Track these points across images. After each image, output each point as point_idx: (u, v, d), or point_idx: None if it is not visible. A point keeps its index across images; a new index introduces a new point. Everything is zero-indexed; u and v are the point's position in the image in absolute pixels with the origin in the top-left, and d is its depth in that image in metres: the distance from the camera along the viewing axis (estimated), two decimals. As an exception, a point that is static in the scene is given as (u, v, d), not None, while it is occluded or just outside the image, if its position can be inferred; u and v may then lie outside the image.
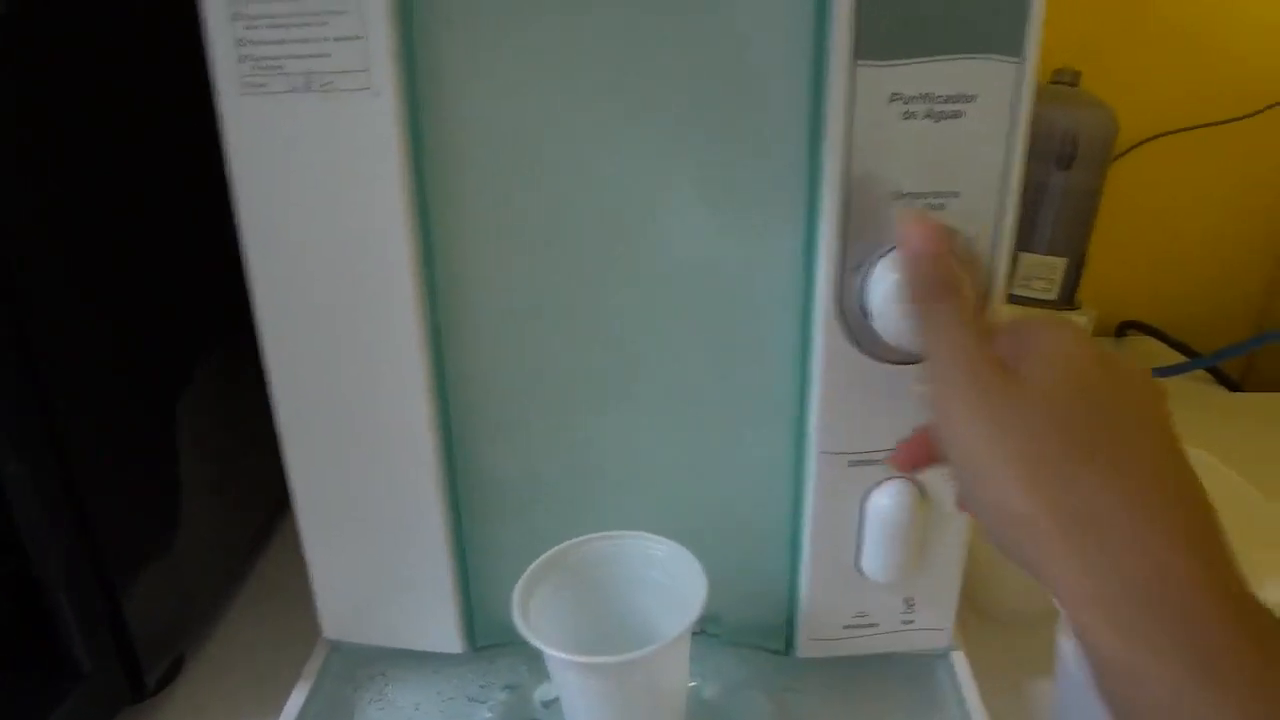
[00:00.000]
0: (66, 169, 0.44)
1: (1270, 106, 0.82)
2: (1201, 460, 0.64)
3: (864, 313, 0.40)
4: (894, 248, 0.39)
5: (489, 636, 0.50)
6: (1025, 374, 0.31)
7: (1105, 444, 0.30)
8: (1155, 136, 0.84)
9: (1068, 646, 0.48)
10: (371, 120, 0.38)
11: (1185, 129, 0.83)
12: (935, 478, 0.45)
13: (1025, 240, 0.77)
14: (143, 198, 0.50)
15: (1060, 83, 0.76)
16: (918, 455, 0.40)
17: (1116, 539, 0.28)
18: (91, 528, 0.46)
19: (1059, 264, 0.78)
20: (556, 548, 0.44)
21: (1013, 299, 0.78)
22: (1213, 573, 0.27)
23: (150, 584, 0.51)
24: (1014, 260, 0.77)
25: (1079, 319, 0.80)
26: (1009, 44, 0.37)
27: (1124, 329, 0.94)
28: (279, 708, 0.48)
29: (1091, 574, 0.28)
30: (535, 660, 0.41)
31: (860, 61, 0.37)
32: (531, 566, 0.43)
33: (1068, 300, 0.79)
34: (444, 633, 0.50)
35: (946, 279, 0.35)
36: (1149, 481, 0.29)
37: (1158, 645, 0.26)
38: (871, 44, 0.36)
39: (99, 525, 0.46)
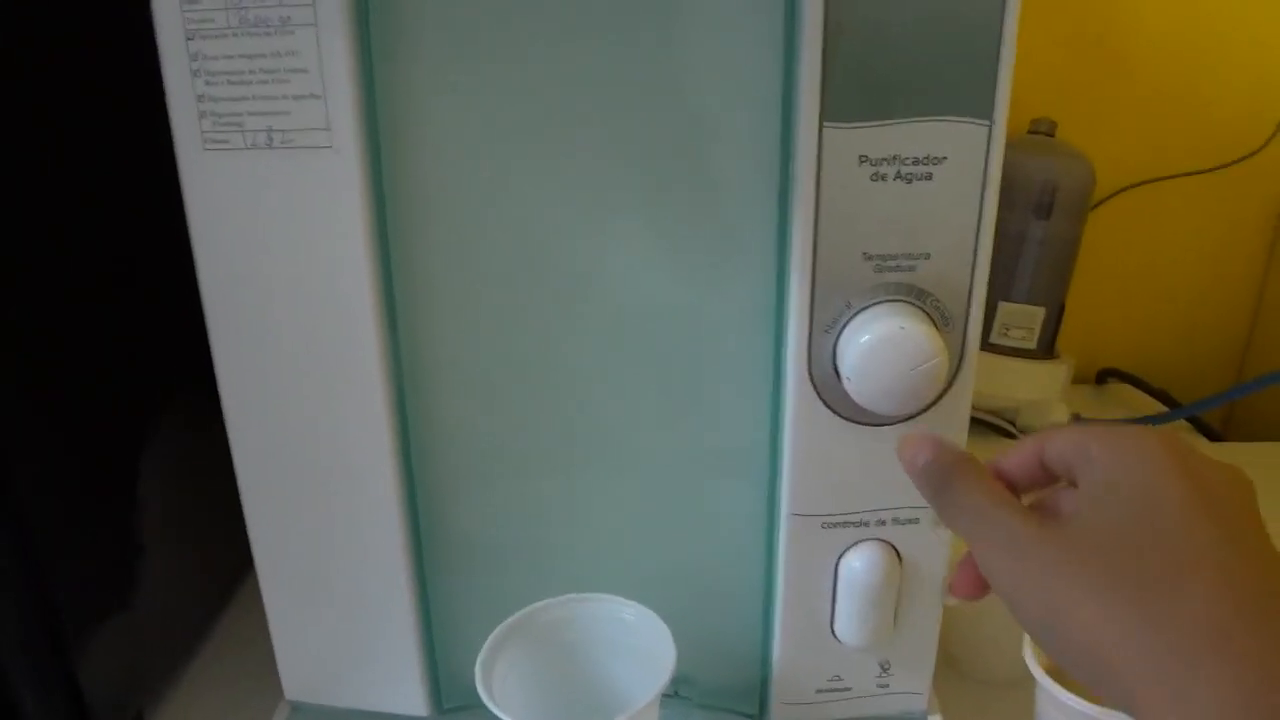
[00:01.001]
0: (25, 219, 0.43)
1: (1245, 157, 0.82)
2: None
3: (836, 374, 0.40)
4: (866, 307, 0.39)
5: (455, 698, 0.49)
6: (1072, 510, 0.30)
7: (1185, 565, 0.27)
8: (1132, 186, 0.84)
9: (1045, 707, 0.47)
10: (333, 178, 0.38)
11: (1162, 178, 0.84)
12: (909, 540, 0.44)
13: (1004, 289, 0.77)
14: (104, 248, 0.49)
15: (1037, 133, 0.77)
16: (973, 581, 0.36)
17: (1207, 680, 0.25)
18: (45, 586, 0.45)
19: (1038, 313, 0.78)
20: (521, 611, 0.43)
21: (991, 348, 0.78)
22: None
23: (106, 643, 0.49)
24: (993, 309, 0.77)
25: (1058, 367, 0.80)
26: (978, 106, 0.37)
27: (1104, 377, 0.94)
28: (238, 772, 0.47)
29: (1187, 707, 0.25)
30: (503, 724, 0.40)
31: (828, 123, 0.36)
32: (495, 631, 0.42)
33: (1047, 349, 0.79)
34: (409, 694, 0.48)
35: (948, 463, 0.33)
36: (1246, 603, 0.26)
37: None
38: (839, 106, 0.36)
39: (52, 583, 0.45)
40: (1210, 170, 0.83)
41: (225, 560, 0.61)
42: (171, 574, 0.55)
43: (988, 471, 0.34)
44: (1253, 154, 0.83)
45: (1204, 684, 0.25)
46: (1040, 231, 0.75)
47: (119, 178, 0.49)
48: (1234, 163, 0.83)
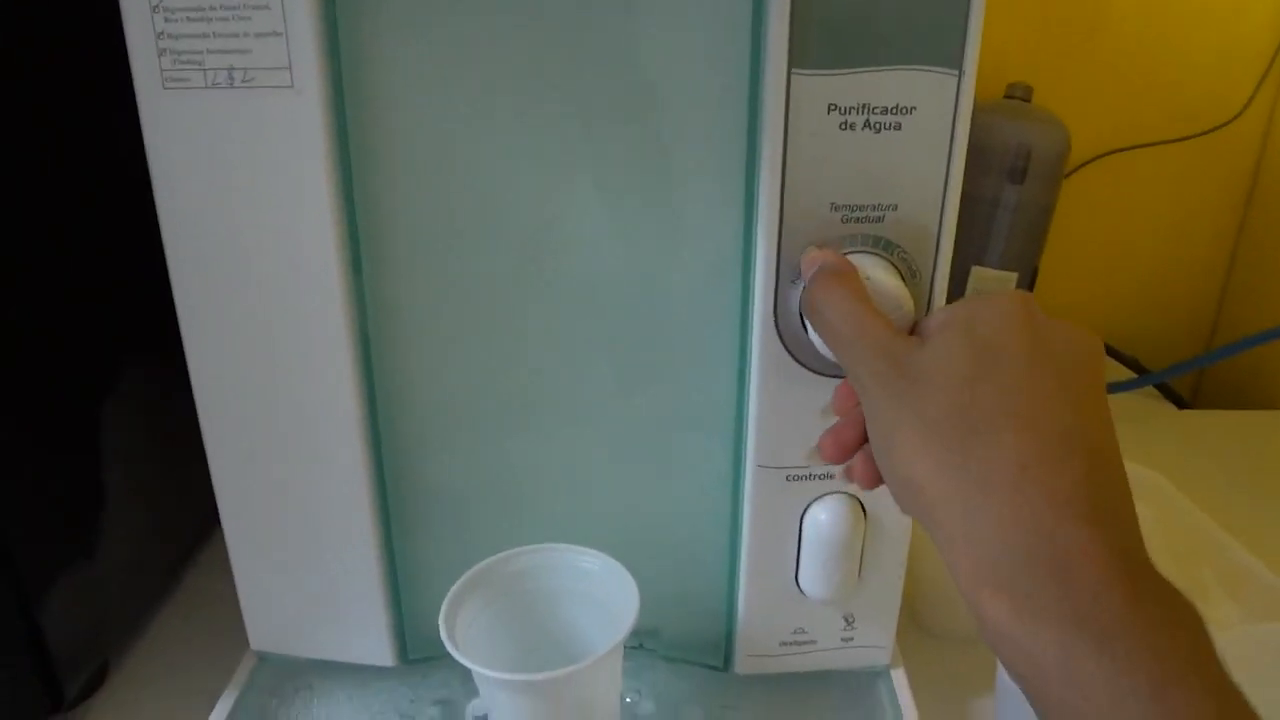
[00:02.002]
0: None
1: (1218, 127, 0.83)
2: (1148, 481, 0.65)
3: (802, 325, 0.40)
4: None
5: (421, 650, 0.49)
6: (935, 341, 0.32)
7: (1007, 409, 0.29)
8: (1106, 153, 0.84)
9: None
10: (295, 119, 0.37)
11: (1136, 146, 0.84)
12: (875, 493, 0.44)
13: (978, 254, 0.77)
14: (62, 196, 0.48)
15: (1013, 98, 0.77)
16: (844, 440, 0.38)
17: (1000, 507, 0.28)
18: (4, 534, 0.44)
19: (1011, 278, 0.78)
20: (485, 561, 0.43)
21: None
22: (1103, 537, 0.27)
23: (69, 593, 0.49)
24: (966, 274, 0.77)
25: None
26: (948, 56, 0.37)
27: (1075, 344, 0.95)
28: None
29: (976, 543, 0.28)
30: (469, 674, 0.40)
31: (796, 70, 0.36)
32: (459, 581, 0.42)
33: (1018, 315, 0.79)
34: (374, 645, 0.48)
35: (837, 268, 0.36)
36: (1052, 447, 0.28)
37: (1043, 610, 0.26)
38: (808, 53, 0.36)
39: (12, 531, 0.45)
40: (1183, 139, 0.84)
41: (191, 515, 0.61)
42: (136, 527, 0.55)
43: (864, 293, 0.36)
44: (1225, 124, 0.83)
45: (994, 505, 0.28)
46: (1014, 196, 0.75)
47: (75, 121, 0.49)
48: (1206, 132, 0.83)
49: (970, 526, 0.28)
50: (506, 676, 0.38)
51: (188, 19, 0.36)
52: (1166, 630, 0.25)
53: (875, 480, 0.34)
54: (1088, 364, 0.31)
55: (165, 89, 0.37)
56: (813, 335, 0.38)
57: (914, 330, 0.34)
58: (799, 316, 0.39)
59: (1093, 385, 0.31)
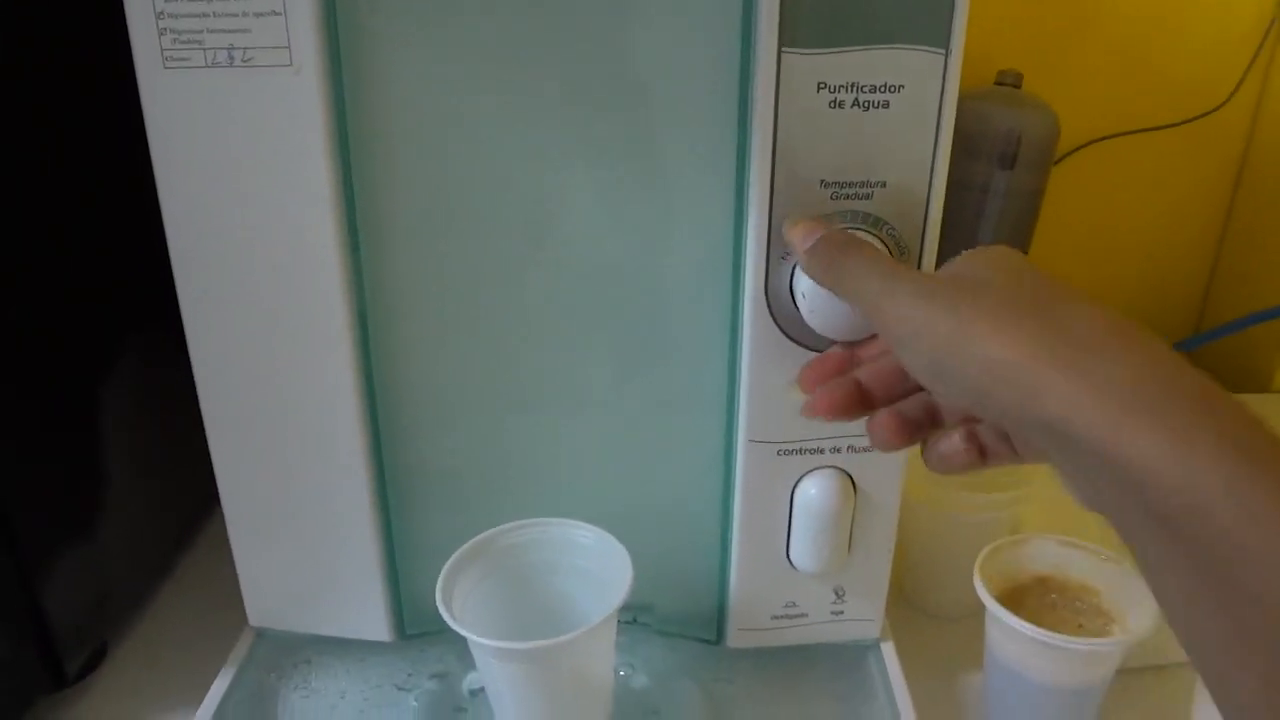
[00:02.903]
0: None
1: (1208, 112, 0.84)
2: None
3: (792, 300, 0.40)
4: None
5: (418, 625, 0.50)
6: (964, 261, 0.33)
7: (1069, 292, 0.30)
8: (1096, 140, 0.85)
9: (995, 639, 0.48)
10: (294, 97, 0.38)
11: (1126, 133, 0.85)
12: (864, 468, 0.45)
13: (968, 240, 0.78)
14: (63, 175, 0.49)
15: (1003, 84, 0.77)
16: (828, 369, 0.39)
17: (1122, 353, 0.27)
18: (6, 512, 0.45)
19: (1000, 263, 0.78)
20: (481, 535, 0.44)
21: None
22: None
23: (70, 571, 0.50)
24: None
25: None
26: (934, 35, 0.37)
27: (1065, 330, 0.95)
28: (203, 696, 0.48)
29: (1109, 388, 0.27)
30: (464, 649, 0.41)
31: (786, 49, 0.37)
32: (456, 553, 0.43)
33: (1008, 299, 0.80)
34: (372, 621, 0.49)
35: (841, 239, 0.37)
36: (1117, 321, 0.29)
37: (1200, 440, 0.25)
38: (798, 32, 0.37)
39: (14, 509, 0.45)
40: (1172, 126, 0.84)
41: (191, 493, 0.61)
42: (136, 506, 0.56)
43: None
44: (1213, 110, 0.84)
45: (1112, 353, 0.27)
46: (1004, 183, 0.76)
47: (74, 103, 0.49)
48: (1195, 119, 0.84)
49: (1095, 378, 0.27)
50: (501, 645, 0.39)
51: (188, -1, 0.36)
52: None
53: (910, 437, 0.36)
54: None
55: (165, 68, 0.38)
56: (805, 307, 0.39)
57: None
58: (789, 292, 0.40)
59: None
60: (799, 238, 0.38)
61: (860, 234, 0.39)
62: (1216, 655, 0.26)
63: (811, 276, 0.37)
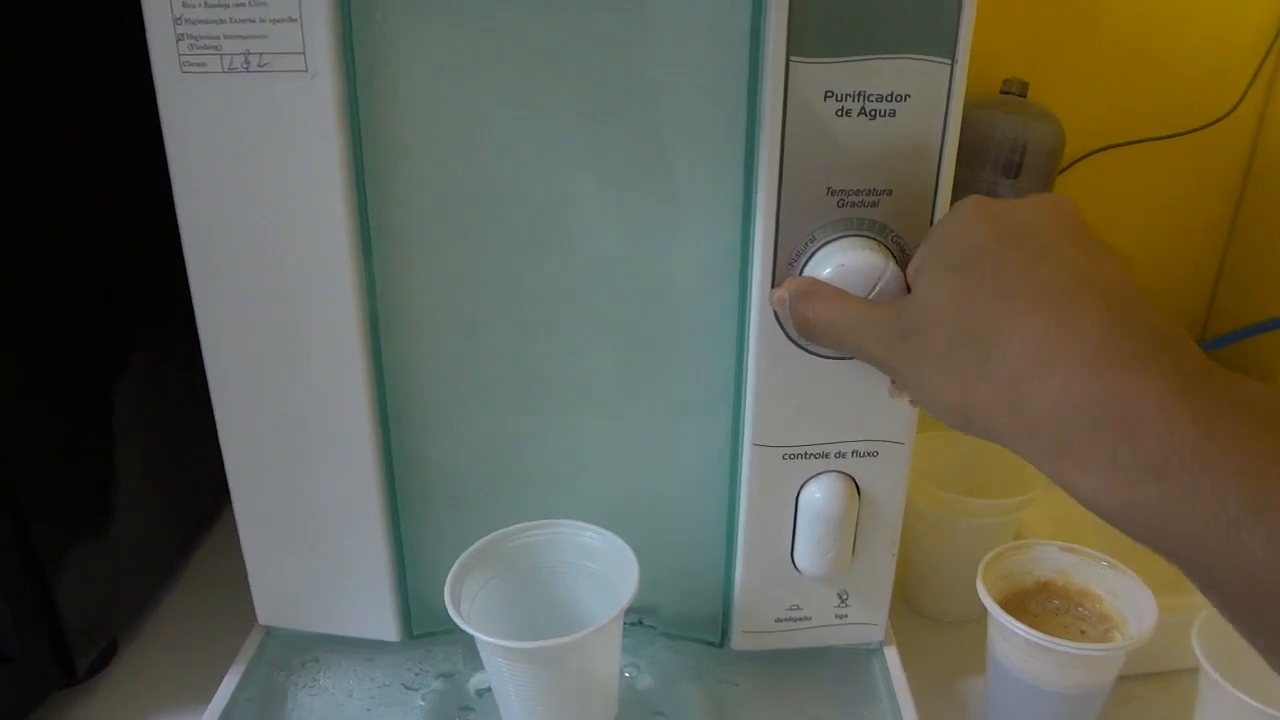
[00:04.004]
0: None
1: (1213, 122, 0.84)
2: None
3: (795, 343, 0.41)
4: (829, 241, 0.40)
5: (426, 625, 0.50)
6: (918, 286, 0.34)
7: (1001, 301, 0.30)
8: (1101, 149, 0.85)
9: (998, 644, 0.49)
10: (309, 103, 0.38)
11: (1130, 142, 0.85)
12: (869, 472, 0.46)
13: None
14: (79, 175, 0.49)
15: (1009, 93, 0.78)
16: None
17: (1040, 387, 0.28)
18: (20, 510, 0.46)
19: (1005, 271, 0.79)
20: (489, 536, 0.44)
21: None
22: (1150, 372, 0.26)
23: (82, 569, 0.50)
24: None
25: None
26: (941, 46, 0.38)
27: (1070, 338, 0.96)
28: (212, 694, 0.48)
29: (1037, 429, 0.28)
30: (471, 649, 0.41)
31: (794, 58, 0.37)
32: (464, 554, 0.43)
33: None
34: (380, 620, 0.49)
35: (804, 286, 0.39)
36: (1055, 312, 0.29)
37: (1123, 469, 0.26)
38: (806, 41, 0.37)
39: (28, 508, 0.46)
40: (1177, 135, 0.85)
41: (202, 492, 0.62)
42: (147, 504, 0.56)
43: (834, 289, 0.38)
44: (1218, 120, 0.84)
45: (1034, 389, 0.28)
46: (1009, 191, 0.76)
47: (93, 102, 0.50)
48: (1200, 129, 0.84)
49: (1024, 418, 0.28)
50: (508, 644, 0.39)
51: (205, 5, 0.37)
52: (1250, 440, 0.25)
53: None
54: (1060, 218, 0.32)
55: (183, 73, 0.38)
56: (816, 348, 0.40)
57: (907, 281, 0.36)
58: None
59: (1072, 236, 0.31)
60: (777, 305, 0.40)
61: (832, 247, 0.40)
62: None
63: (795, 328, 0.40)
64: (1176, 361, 0.27)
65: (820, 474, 0.45)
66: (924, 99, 0.39)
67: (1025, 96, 0.78)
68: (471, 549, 0.44)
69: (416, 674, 0.50)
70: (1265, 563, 0.23)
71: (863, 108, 0.38)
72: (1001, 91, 0.78)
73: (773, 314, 0.41)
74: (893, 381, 0.38)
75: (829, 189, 0.40)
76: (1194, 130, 0.85)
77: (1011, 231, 0.32)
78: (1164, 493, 0.25)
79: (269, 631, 0.51)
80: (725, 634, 0.50)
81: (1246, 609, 0.25)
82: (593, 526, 0.45)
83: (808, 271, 0.40)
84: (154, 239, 0.45)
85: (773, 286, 0.41)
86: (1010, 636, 0.47)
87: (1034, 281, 0.30)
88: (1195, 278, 0.94)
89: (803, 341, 0.42)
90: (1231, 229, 0.92)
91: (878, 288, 0.38)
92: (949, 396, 0.31)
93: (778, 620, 0.49)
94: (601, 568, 0.44)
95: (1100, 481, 0.26)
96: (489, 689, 0.48)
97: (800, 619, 0.49)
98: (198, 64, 0.38)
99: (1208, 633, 0.46)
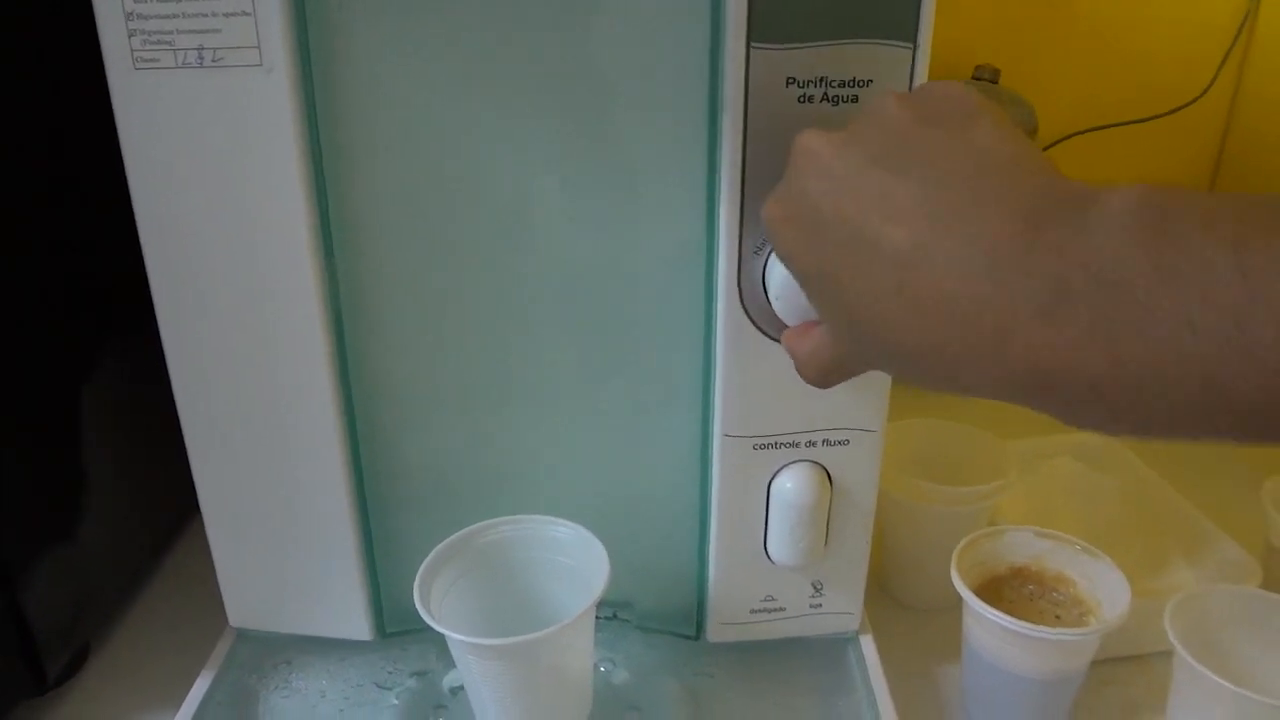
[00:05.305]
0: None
1: (1183, 106, 0.84)
2: (1114, 453, 0.66)
3: (765, 295, 0.41)
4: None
5: (398, 624, 0.50)
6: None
7: (903, 203, 0.28)
8: (1074, 134, 0.86)
9: (973, 631, 0.49)
10: (266, 98, 0.38)
11: (1102, 127, 0.85)
12: (840, 461, 0.45)
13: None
14: (35, 180, 0.48)
15: (980, 79, 0.78)
16: None
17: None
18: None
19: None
20: (459, 532, 0.44)
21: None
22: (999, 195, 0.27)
23: (51, 574, 0.49)
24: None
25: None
26: (902, 30, 0.38)
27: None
28: (184, 697, 0.47)
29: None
30: (445, 647, 0.41)
31: (755, 44, 0.37)
32: (434, 551, 0.43)
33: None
34: (352, 620, 0.49)
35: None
36: (960, 191, 0.28)
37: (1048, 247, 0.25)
38: (766, 27, 0.37)
39: (-7, 513, 0.45)
40: (1149, 119, 0.85)
41: (171, 495, 0.61)
42: (117, 508, 0.56)
43: None
44: (1190, 103, 0.85)
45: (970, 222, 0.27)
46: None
47: (45, 106, 0.49)
48: (1172, 112, 0.85)
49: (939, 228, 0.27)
50: (479, 641, 0.39)
51: (157, -1, 0.36)
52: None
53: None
54: (965, 103, 0.31)
55: (136, 69, 0.38)
56: (774, 297, 0.40)
57: None
58: (762, 286, 0.40)
59: (983, 126, 0.30)
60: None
61: None
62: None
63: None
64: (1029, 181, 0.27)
65: (791, 463, 0.45)
66: (886, 84, 0.38)
67: (997, 83, 0.78)
68: (440, 546, 0.43)
69: (390, 673, 0.49)
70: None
71: (825, 94, 0.38)
72: (973, 78, 0.78)
73: (739, 304, 0.41)
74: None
75: (793, 177, 0.39)
76: (1166, 114, 0.85)
77: (922, 111, 0.31)
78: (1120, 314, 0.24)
79: (240, 633, 0.51)
80: (700, 626, 0.50)
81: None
82: (563, 520, 0.45)
83: (771, 260, 0.39)
84: (122, 241, 0.44)
85: (738, 277, 0.41)
86: (985, 623, 0.47)
87: (944, 152, 0.29)
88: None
89: (771, 331, 0.42)
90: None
91: None
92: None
93: (753, 611, 0.49)
94: (572, 561, 0.44)
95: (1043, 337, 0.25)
96: (463, 687, 0.47)
97: (775, 610, 0.49)
98: (150, 60, 0.37)
99: (1181, 616, 0.46)
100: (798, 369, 0.36)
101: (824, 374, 0.36)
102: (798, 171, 0.32)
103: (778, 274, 0.39)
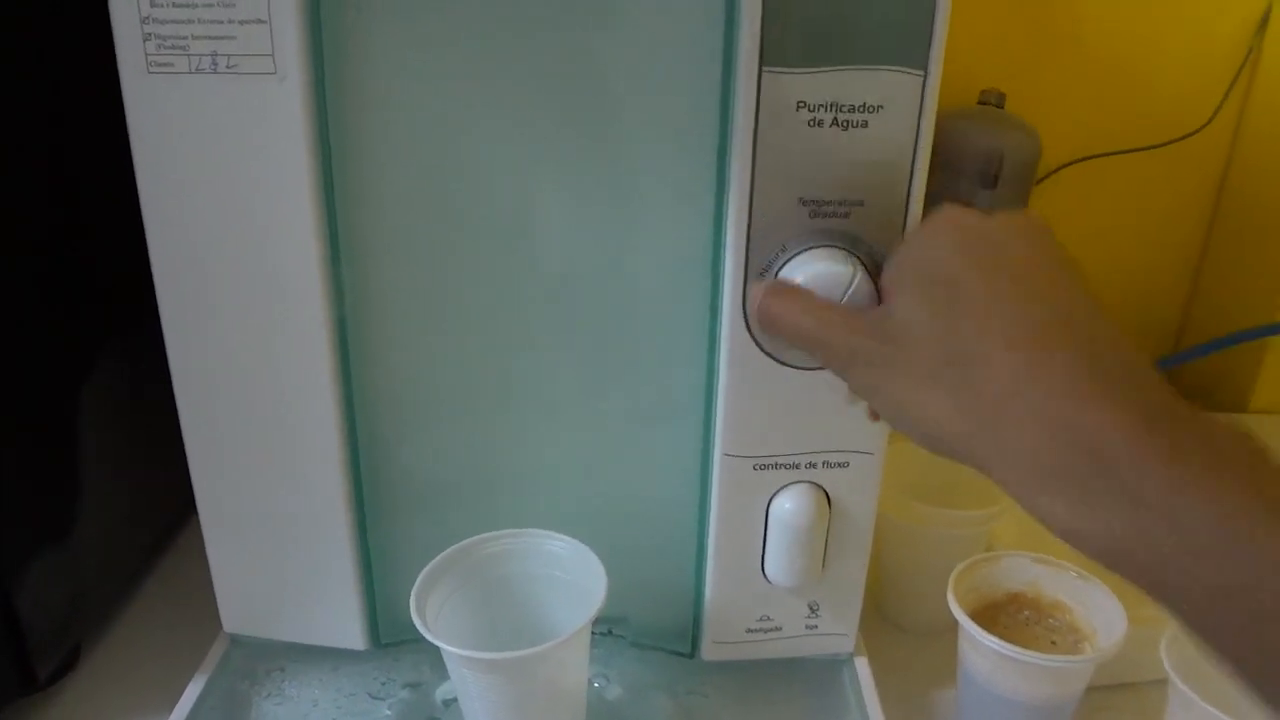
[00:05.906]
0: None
1: (1187, 135, 0.84)
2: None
3: (752, 338, 0.41)
4: (800, 252, 0.40)
5: (393, 634, 0.50)
6: (897, 301, 0.33)
7: (983, 332, 0.30)
8: (1078, 160, 0.86)
9: (968, 655, 0.49)
10: (278, 105, 0.38)
11: (1107, 154, 0.85)
12: (840, 483, 0.46)
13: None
14: (44, 177, 0.48)
15: (986, 103, 0.78)
16: None
17: (1018, 418, 0.29)
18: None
19: (981, 281, 0.79)
20: (456, 545, 0.44)
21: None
22: (1118, 407, 0.28)
23: (43, 575, 0.49)
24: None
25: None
26: (914, 57, 0.38)
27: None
28: (175, 702, 0.47)
29: (1014, 459, 0.29)
30: (439, 659, 0.41)
31: (767, 68, 0.37)
32: (431, 563, 0.43)
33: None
34: (347, 629, 0.49)
35: (779, 284, 0.39)
36: (1033, 347, 0.30)
37: (1097, 499, 0.27)
38: (779, 51, 0.37)
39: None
40: (1152, 148, 0.85)
41: (167, 497, 0.61)
42: (111, 509, 0.55)
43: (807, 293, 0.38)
44: (1193, 133, 0.85)
45: (1011, 420, 0.29)
46: (986, 201, 0.76)
47: (54, 107, 0.49)
48: (1175, 141, 0.85)
49: (1002, 447, 0.29)
50: (474, 655, 0.39)
51: (173, 4, 0.36)
52: (1214, 472, 0.26)
53: None
54: (1031, 243, 0.33)
55: (149, 73, 0.38)
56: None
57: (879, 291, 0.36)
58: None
59: (1044, 264, 0.32)
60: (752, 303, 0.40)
61: (805, 256, 0.40)
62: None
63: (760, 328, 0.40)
64: (1144, 395, 0.28)
65: (791, 484, 0.45)
66: (896, 110, 0.39)
67: (1003, 108, 0.78)
68: (437, 559, 0.43)
69: (383, 683, 0.49)
70: (1237, 585, 0.25)
71: (835, 118, 0.38)
72: (979, 103, 0.78)
73: (744, 324, 0.41)
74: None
75: (800, 199, 0.39)
76: (1169, 143, 0.85)
77: (984, 257, 0.32)
78: (1136, 520, 0.26)
79: (234, 639, 0.51)
80: (695, 644, 0.50)
81: (1214, 629, 0.26)
82: (560, 535, 0.45)
83: (780, 279, 0.40)
84: (123, 242, 0.44)
85: (743, 297, 0.41)
86: (980, 648, 0.47)
87: (1011, 317, 0.30)
88: (1170, 288, 0.94)
89: (773, 351, 0.42)
90: (1206, 240, 0.92)
91: (846, 297, 0.38)
92: (932, 420, 0.31)
93: (748, 630, 0.49)
94: (569, 576, 0.44)
95: (1072, 509, 0.28)
96: (456, 699, 0.47)
97: (771, 629, 0.49)
98: (165, 64, 0.38)
99: (1176, 645, 0.46)
100: (753, 313, 0.38)
101: (786, 331, 0.37)
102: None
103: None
